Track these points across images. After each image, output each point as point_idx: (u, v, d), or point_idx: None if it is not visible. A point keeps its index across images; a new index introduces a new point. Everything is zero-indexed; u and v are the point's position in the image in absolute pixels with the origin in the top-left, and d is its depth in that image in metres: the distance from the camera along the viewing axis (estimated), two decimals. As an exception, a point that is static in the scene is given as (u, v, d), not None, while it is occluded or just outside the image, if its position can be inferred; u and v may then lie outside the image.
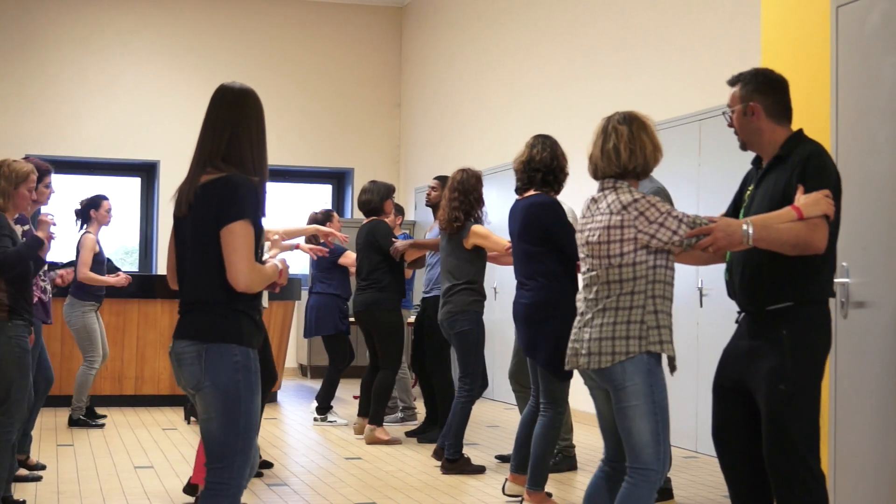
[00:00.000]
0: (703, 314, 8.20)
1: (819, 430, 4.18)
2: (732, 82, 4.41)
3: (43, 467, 7.35)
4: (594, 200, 4.32)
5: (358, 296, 8.75)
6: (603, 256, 4.20)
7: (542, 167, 6.15)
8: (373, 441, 8.63)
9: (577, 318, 4.37)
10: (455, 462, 7.45)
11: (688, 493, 6.89)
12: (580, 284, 4.40)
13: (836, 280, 5.21)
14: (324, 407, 9.77)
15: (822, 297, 4.22)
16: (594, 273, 4.25)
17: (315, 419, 9.77)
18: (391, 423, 9.71)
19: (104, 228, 9.48)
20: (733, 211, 4.53)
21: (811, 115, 5.60)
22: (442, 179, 8.77)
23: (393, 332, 8.66)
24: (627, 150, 4.25)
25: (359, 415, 9.02)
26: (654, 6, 9.24)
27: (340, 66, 15.34)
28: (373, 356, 8.93)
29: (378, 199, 8.84)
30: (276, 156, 13.92)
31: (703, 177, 8.25)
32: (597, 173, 4.34)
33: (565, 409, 6.19)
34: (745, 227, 4.01)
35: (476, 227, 7.39)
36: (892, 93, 5.06)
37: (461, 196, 7.45)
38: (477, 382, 7.49)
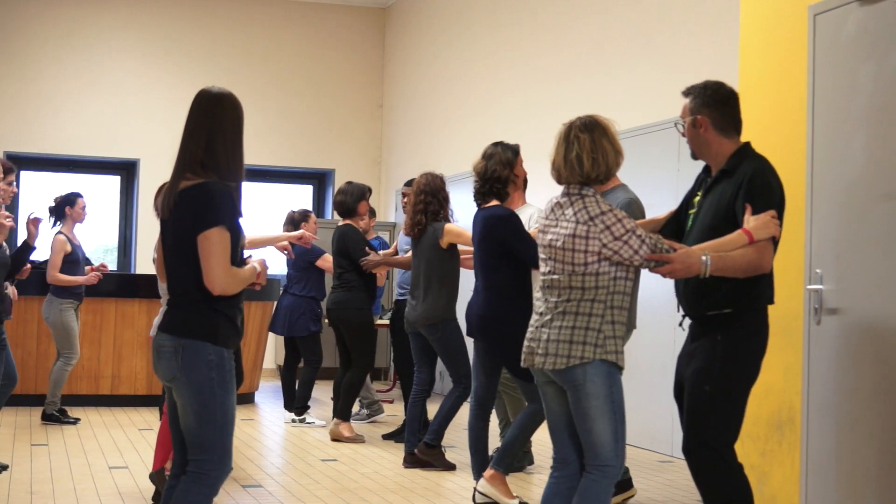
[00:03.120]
0: (681, 317, 8.16)
1: (738, 427, 4.38)
2: (685, 94, 4.57)
3: (4, 467, 7.32)
4: (559, 206, 4.42)
5: (330, 295, 8.92)
6: (567, 263, 4.31)
7: (494, 178, 6.32)
8: (337, 436, 8.77)
9: (535, 316, 4.48)
10: (432, 448, 7.53)
11: (663, 496, 6.93)
12: (539, 284, 4.50)
13: (809, 287, 5.28)
14: (301, 407, 9.80)
15: (761, 305, 4.40)
16: (556, 277, 4.36)
17: (293, 420, 9.79)
18: (359, 421, 9.76)
19: (79, 226, 9.50)
20: (684, 211, 4.70)
21: (787, 122, 5.65)
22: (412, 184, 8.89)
23: (363, 331, 8.79)
24: (590, 159, 4.34)
25: (334, 417, 9.04)
26: (633, 11, 9.28)
27: (323, 66, 15.35)
28: (343, 356, 9.02)
29: (352, 200, 8.90)
30: (257, 156, 14.03)
31: (682, 182, 8.23)
32: (560, 179, 4.44)
33: (489, 403, 6.33)
34: (703, 258, 4.16)
35: (449, 226, 7.47)
36: (867, 100, 5.11)
37: (429, 197, 7.55)
38: (470, 381, 7.52)
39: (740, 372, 4.36)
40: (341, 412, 8.83)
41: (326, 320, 9.20)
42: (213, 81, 4.72)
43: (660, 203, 7.99)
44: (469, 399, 6.63)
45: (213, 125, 3.92)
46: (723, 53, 7.73)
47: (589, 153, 4.34)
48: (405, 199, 8.85)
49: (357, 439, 8.80)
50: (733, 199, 4.33)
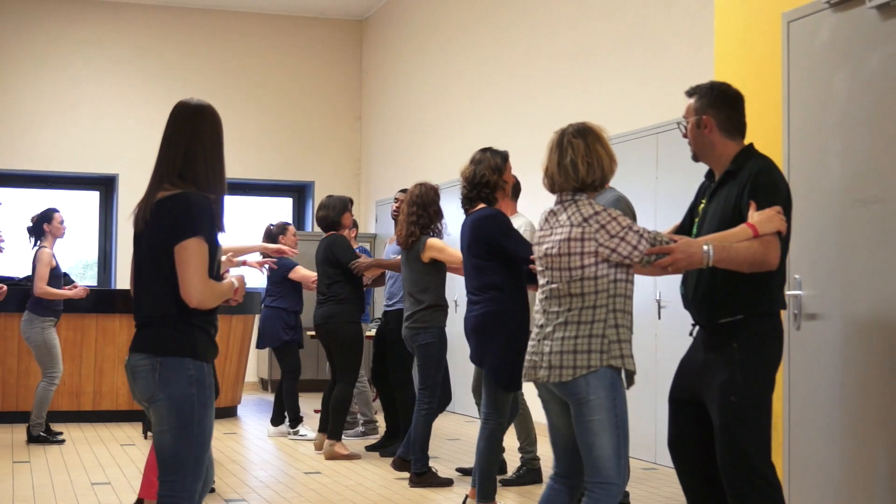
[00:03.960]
0: (661, 326, 8.25)
1: (770, 439, 4.24)
2: (690, 93, 4.47)
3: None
4: (553, 213, 4.31)
5: (317, 309, 8.78)
6: (563, 269, 4.19)
7: (482, 183, 6.26)
8: (332, 456, 8.62)
9: (536, 329, 4.35)
10: (423, 475, 7.48)
11: (646, 504, 6.94)
12: (538, 296, 4.39)
13: (788, 293, 5.29)
14: (295, 419, 9.76)
15: (773, 310, 4.28)
16: (554, 286, 4.23)
17: (288, 434, 9.77)
18: (352, 437, 9.72)
19: (60, 241, 9.44)
20: (689, 222, 4.59)
21: (763, 129, 5.68)
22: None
23: (351, 345, 8.67)
24: (585, 163, 4.24)
25: (319, 430, 9.01)
26: (610, 21, 9.32)
27: (301, 78, 15.36)
28: (333, 371, 8.92)
29: (335, 213, 8.85)
30: (236, 169, 13.99)
31: (660, 189, 8.32)
32: (553, 187, 4.33)
33: (511, 418, 6.23)
34: (705, 248, 4.04)
35: (431, 241, 7.45)
36: (842, 107, 5.14)
37: (420, 210, 7.52)
38: (436, 395, 7.52)
39: (762, 379, 4.22)
40: (333, 432, 8.65)
41: (312, 333, 9.15)
42: (191, 94, 4.71)
43: (638, 211, 8.02)
44: (480, 417, 6.49)
45: (193, 136, 3.87)
46: (698, 62, 7.78)
47: (584, 158, 4.24)
48: (395, 205, 8.84)
49: (353, 456, 8.66)
50: (739, 198, 4.23)
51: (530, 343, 4.38)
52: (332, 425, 8.67)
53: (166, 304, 3.79)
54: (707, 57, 7.00)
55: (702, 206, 4.50)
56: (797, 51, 5.44)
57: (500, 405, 6.11)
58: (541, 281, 4.36)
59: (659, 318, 8.26)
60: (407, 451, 7.81)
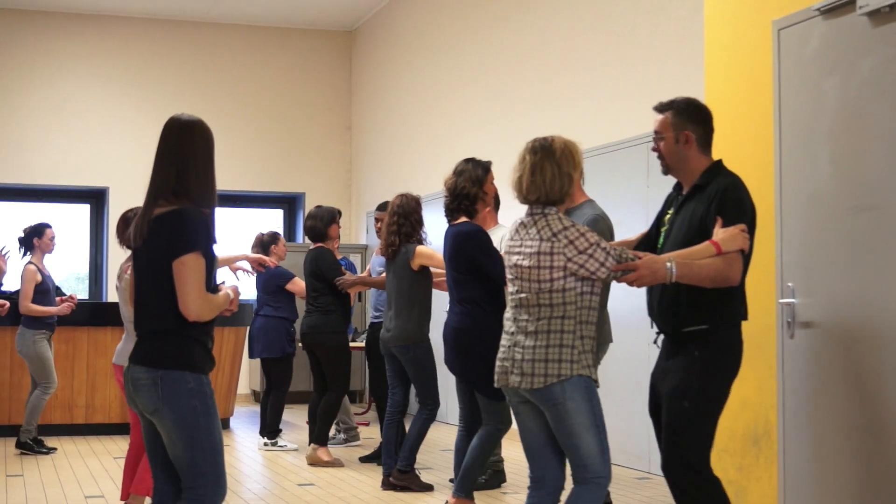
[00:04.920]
0: (654, 334, 8.17)
1: (712, 444, 4.41)
2: (662, 108, 4.59)
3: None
4: (524, 225, 4.47)
5: (304, 319, 8.89)
6: (533, 281, 4.35)
7: (463, 194, 6.36)
8: (315, 461, 8.70)
9: (506, 336, 4.51)
10: (406, 473, 7.53)
11: (640, 513, 6.91)
12: (508, 304, 4.55)
13: (781, 301, 5.29)
14: (273, 431, 9.74)
15: (736, 321, 4.44)
16: (524, 296, 4.40)
17: (265, 444, 9.73)
18: (335, 445, 9.71)
19: (49, 255, 9.45)
20: (655, 232, 4.74)
21: (754, 137, 5.67)
22: (385, 207, 8.88)
23: (339, 354, 8.77)
24: (528, 180, 4.41)
25: (310, 442, 8.97)
26: (599, 31, 9.31)
27: (290, 90, 15.33)
28: (318, 381, 8.97)
29: (322, 224, 8.90)
30: (226, 181, 13.96)
31: (651, 198, 8.26)
32: (521, 199, 4.49)
33: (507, 425, 6.26)
34: (668, 264, 4.20)
35: (420, 248, 7.49)
36: (833, 114, 5.13)
37: (401, 219, 7.56)
38: (437, 403, 7.54)
39: (717, 388, 4.39)
40: (318, 437, 8.77)
41: (300, 343, 9.16)
42: (180, 107, 4.70)
43: (630, 220, 8.01)
44: (458, 422, 6.59)
45: (184, 152, 3.94)
46: (688, 70, 7.77)
47: (529, 175, 4.41)
48: (378, 224, 8.85)
49: (335, 463, 8.75)
50: (706, 213, 4.37)
51: (501, 349, 4.54)
52: (318, 430, 8.76)
53: (166, 317, 3.90)
54: (697, 66, 6.99)
55: (668, 216, 4.65)
56: (788, 58, 5.43)
57: (496, 413, 6.18)
58: (511, 289, 4.52)
59: (652, 325, 8.16)
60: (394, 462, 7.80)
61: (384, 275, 7.98)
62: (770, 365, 5.45)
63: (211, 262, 3.93)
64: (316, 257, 8.79)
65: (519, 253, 4.42)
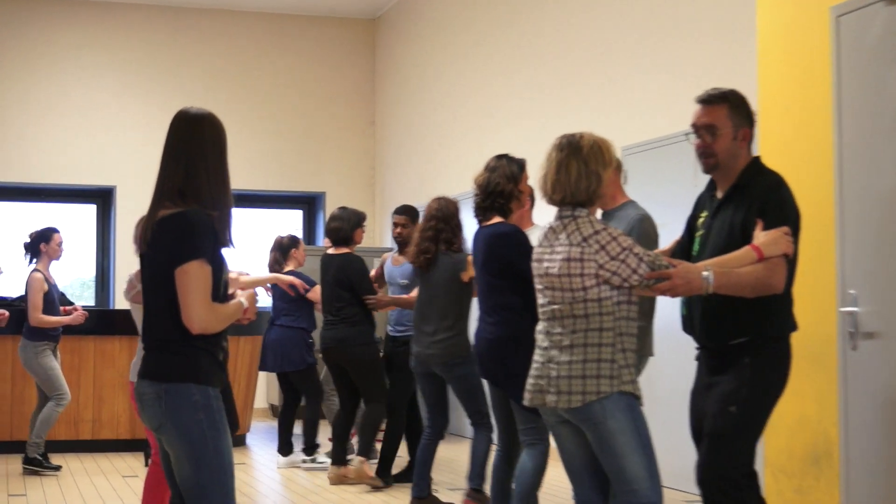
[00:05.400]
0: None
1: (752, 461, 4.36)
2: (713, 100, 4.50)
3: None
4: (553, 230, 4.42)
5: (327, 331, 8.74)
6: (566, 290, 4.29)
7: (496, 192, 6.20)
8: (361, 475, 8.56)
9: (539, 351, 4.45)
10: (480, 492, 7.25)
11: (688, 537, 6.87)
12: (539, 317, 4.49)
13: (842, 309, 5.23)
14: (311, 446, 9.70)
15: (783, 333, 4.38)
16: (556, 307, 4.34)
17: (304, 461, 9.72)
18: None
19: (55, 262, 9.43)
20: (688, 238, 4.67)
21: (812, 132, 5.62)
22: (408, 211, 8.79)
23: (374, 366, 8.69)
24: (553, 179, 4.38)
25: (332, 462, 8.92)
26: (644, 20, 9.26)
27: (310, 81, 15.34)
28: (346, 396, 8.89)
29: (349, 227, 8.80)
30: (241, 179, 13.93)
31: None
32: (549, 201, 4.47)
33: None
34: (704, 273, 4.12)
35: (472, 257, 7.35)
36: (897, 107, 5.08)
37: (440, 224, 7.42)
38: (489, 416, 7.33)
39: (765, 399, 4.33)
40: (363, 449, 8.64)
41: (320, 356, 9.10)
42: (193, 100, 4.68)
43: (675, 223, 7.91)
44: (497, 443, 6.46)
45: (193, 149, 3.88)
46: (740, 60, 7.70)
47: (553, 172, 4.38)
48: (398, 229, 8.78)
49: (375, 481, 8.59)
50: (747, 215, 4.31)
51: (534, 365, 4.47)
52: (363, 443, 8.67)
53: (168, 327, 3.84)
54: (748, 54, 6.94)
55: (701, 219, 4.58)
56: (847, 47, 5.39)
57: (541, 429, 6.05)
58: (541, 300, 4.45)
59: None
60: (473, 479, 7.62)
61: (415, 293, 7.88)
62: (830, 379, 5.40)
63: (219, 270, 3.87)
64: (345, 265, 8.67)
65: (549, 260, 4.37)
